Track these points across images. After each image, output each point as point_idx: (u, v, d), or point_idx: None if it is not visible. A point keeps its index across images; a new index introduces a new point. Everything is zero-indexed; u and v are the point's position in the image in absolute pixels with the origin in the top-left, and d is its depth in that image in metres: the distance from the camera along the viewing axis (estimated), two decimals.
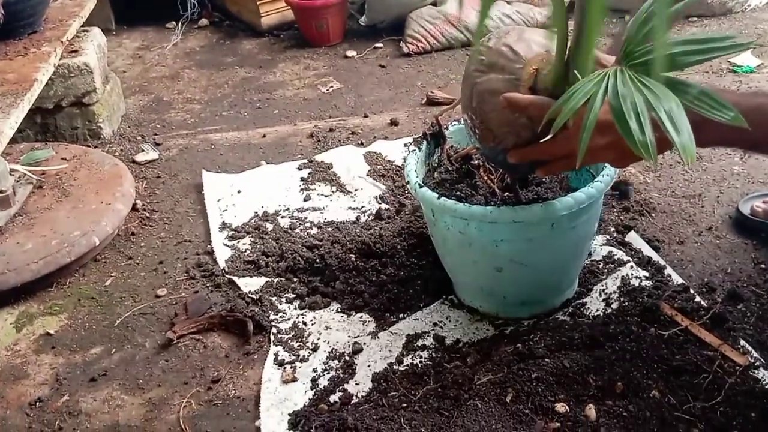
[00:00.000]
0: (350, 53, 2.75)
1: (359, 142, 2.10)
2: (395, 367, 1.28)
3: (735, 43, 0.92)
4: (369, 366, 1.29)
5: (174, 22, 3.23)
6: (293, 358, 1.34)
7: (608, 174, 1.24)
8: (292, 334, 1.40)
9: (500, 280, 1.30)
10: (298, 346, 1.37)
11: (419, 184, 1.30)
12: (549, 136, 1.04)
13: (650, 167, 1.78)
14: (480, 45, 1.16)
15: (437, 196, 1.26)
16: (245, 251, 1.64)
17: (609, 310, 1.34)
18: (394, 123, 2.19)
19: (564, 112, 0.93)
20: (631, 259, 1.46)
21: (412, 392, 1.21)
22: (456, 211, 1.23)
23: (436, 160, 1.43)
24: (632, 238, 1.53)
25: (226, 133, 2.26)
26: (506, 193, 1.32)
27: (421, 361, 1.28)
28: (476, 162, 1.40)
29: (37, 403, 1.31)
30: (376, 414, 1.17)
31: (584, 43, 0.98)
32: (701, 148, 1.12)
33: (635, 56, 0.93)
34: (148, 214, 1.85)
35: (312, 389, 1.26)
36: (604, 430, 1.09)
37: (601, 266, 1.46)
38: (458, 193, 1.37)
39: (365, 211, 1.74)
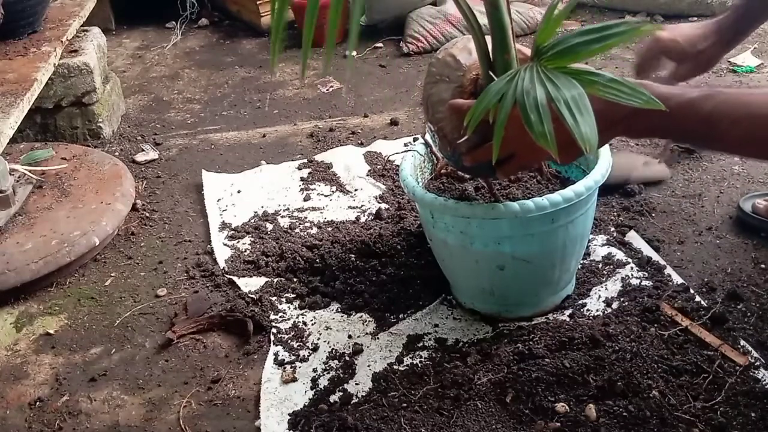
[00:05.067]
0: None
1: (359, 142, 2.10)
2: (395, 367, 1.28)
3: (631, 27, 0.95)
4: (369, 366, 1.29)
5: (174, 22, 3.23)
6: (293, 358, 1.34)
7: (602, 166, 1.26)
8: (292, 334, 1.40)
9: (503, 279, 1.30)
10: (298, 346, 1.37)
11: (417, 187, 1.30)
12: (465, 138, 1.07)
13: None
14: (432, 57, 1.24)
15: (436, 196, 1.26)
16: (245, 251, 1.64)
17: (609, 310, 1.34)
18: (394, 123, 2.19)
19: (477, 112, 0.99)
20: (630, 260, 1.46)
21: (412, 392, 1.21)
22: (457, 210, 1.23)
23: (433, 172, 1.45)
24: (632, 238, 1.53)
25: (226, 133, 2.27)
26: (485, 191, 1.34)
27: (421, 361, 1.28)
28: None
29: (37, 403, 1.31)
30: (376, 414, 1.17)
31: (498, 44, 1.06)
32: (637, 138, 1.18)
33: (543, 51, 0.99)
34: (148, 214, 1.85)
35: (312, 389, 1.26)
36: (604, 430, 1.09)
37: (600, 267, 1.46)
38: (455, 194, 1.37)
39: (365, 211, 1.74)
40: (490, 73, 1.07)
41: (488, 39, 1.09)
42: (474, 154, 1.15)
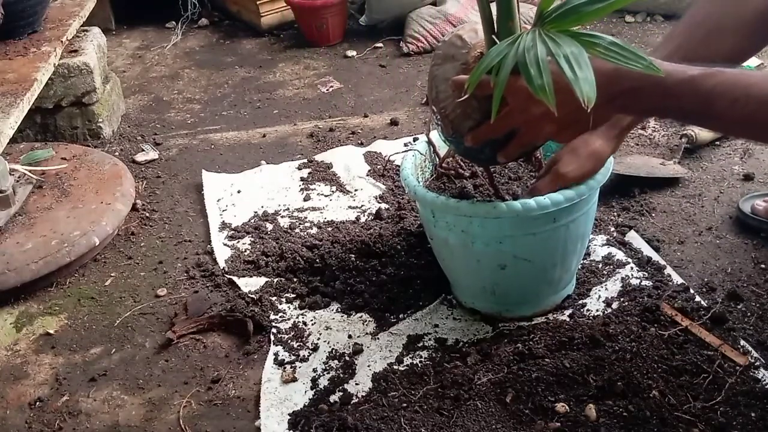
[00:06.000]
0: (350, 53, 2.75)
1: (359, 142, 2.10)
2: (395, 367, 1.28)
3: None
4: (369, 366, 1.29)
5: (174, 22, 3.23)
6: (293, 358, 1.34)
7: (605, 167, 1.26)
8: (292, 334, 1.40)
9: (504, 278, 1.30)
10: (298, 346, 1.37)
11: (418, 186, 1.30)
12: (466, 96, 1.05)
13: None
14: (439, 42, 1.22)
15: (437, 195, 1.26)
16: (245, 251, 1.64)
17: (609, 310, 1.34)
18: (394, 123, 2.19)
19: (478, 72, 0.99)
20: (630, 260, 1.46)
21: (412, 392, 1.21)
22: (459, 209, 1.23)
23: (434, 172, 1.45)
24: (632, 237, 1.53)
25: (226, 133, 2.26)
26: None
27: (421, 361, 1.28)
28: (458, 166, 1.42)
29: (37, 403, 1.31)
30: (376, 414, 1.17)
31: (503, 11, 1.06)
32: (638, 117, 1.18)
33: (547, 16, 1.00)
34: (148, 214, 1.84)
35: (312, 389, 1.26)
36: (604, 430, 1.09)
37: (600, 267, 1.46)
38: (454, 192, 1.38)
39: (365, 211, 1.74)
40: (493, 37, 1.07)
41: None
42: (476, 133, 1.14)
